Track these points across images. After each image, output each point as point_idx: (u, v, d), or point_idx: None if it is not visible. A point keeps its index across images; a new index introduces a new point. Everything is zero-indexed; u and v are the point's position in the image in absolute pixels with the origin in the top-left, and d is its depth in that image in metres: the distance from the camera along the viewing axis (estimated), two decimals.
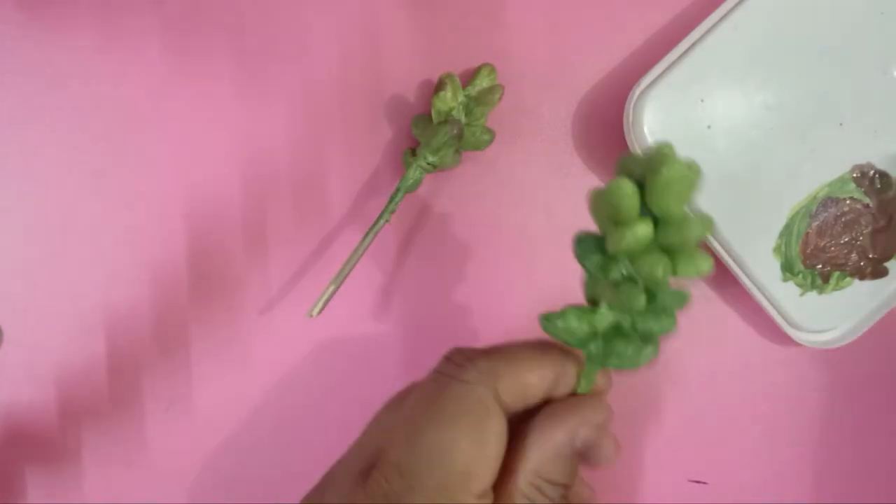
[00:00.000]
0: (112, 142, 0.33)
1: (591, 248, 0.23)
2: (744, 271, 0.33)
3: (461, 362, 0.25)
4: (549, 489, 0.24)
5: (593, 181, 0.35)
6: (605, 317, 0.24)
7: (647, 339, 0.23)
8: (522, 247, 0.35)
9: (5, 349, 0.33)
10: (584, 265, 0.23)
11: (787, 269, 0.33)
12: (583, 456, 0.25)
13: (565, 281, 0.35)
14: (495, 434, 0.24)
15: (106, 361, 0.34)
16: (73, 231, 0.34)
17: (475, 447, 0.23)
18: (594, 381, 0.25)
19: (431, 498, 0.23)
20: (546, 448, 0.24)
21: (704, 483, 0.36)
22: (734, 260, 0.33)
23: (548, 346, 0.26)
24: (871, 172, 0.33)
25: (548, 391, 0.26)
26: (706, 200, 0.32)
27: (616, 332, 0.24)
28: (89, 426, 0.34)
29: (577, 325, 0.24)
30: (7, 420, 0.34)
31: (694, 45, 0.32)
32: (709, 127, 0.32)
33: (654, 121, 0.31)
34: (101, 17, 0.33)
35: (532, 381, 0.25)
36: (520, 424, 0.25)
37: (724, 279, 0.35)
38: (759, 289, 0.33)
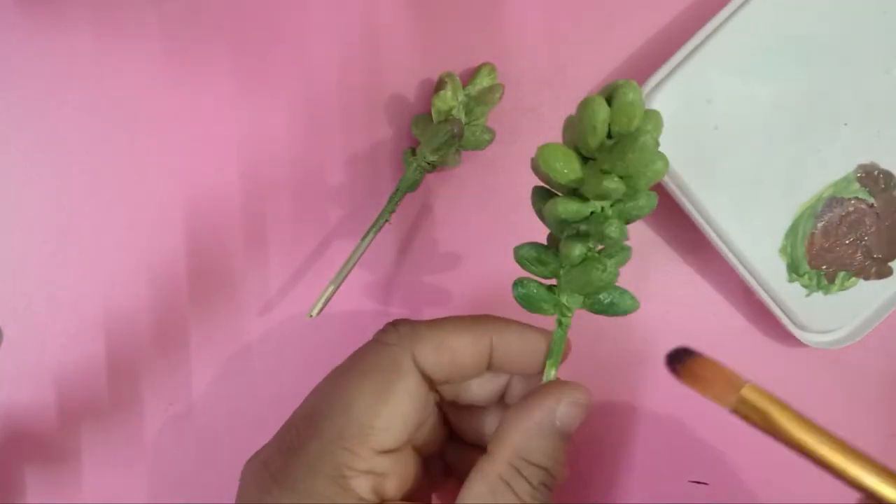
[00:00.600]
0: (112, 142, 0.33)
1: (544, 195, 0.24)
2: (749, 272, 0.33)
3: (387, 328, 0.26)
4: (529, 471, 0.24)
5: None
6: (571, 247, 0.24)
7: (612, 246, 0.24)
8: None
9: (5, 349, 0.33)
10: (546, 212, 0.24)
11: (793, 269, 0.33)
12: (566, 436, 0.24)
13: None
14: (404, 393, 0.24)
15: (106, 361, 0.34)
16: (73, 231, 0.34)
17: (378, 402, 0.24)
18: (560, 362, 0.25)
19: (326, 446, 0.23)
20: (524, 426, 0.24)
21: (705, 483, 0.36)
22: (740, 260, 0.33)
23: (480, 316, 0.26)
24: (876, 172, 0.33)
25: (487, 361, 0.26)
26: (712, 201, 0.32)
27: (582, 261, 0.24)
28: (89, 426, 0.34)
29: (541, 264, 0.25)
30: (7, 420, 0.34)
31: (699, 46, 0.32)
32: (716, 128, 0.32)
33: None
34: (101, 18, 0.33)
35: (456, 344, 0.25)
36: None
37: (729, 280, 0.35)
38: (764, 289, 0.33)
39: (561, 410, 0.24)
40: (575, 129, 0.22)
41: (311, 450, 0.23)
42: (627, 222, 0.23)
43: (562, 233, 0.24)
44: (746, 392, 0.24)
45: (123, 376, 0.34)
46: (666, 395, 0.35)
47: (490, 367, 0.26)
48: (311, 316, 0.30)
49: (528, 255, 0.25)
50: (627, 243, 0.24)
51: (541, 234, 0.34)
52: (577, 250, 0.23)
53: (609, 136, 0.22)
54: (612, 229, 0.22)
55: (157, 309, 0.34)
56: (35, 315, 0.33)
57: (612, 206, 0.23)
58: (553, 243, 0.25)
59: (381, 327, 0.26)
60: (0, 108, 0.33)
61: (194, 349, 0.34)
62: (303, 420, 0.25)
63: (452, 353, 0.25)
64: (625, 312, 0.25)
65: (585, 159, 0.23)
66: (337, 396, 0.24)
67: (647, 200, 0.23)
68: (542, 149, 0.22)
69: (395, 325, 0.26)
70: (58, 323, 0.34)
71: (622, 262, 0.24)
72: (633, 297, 0.25)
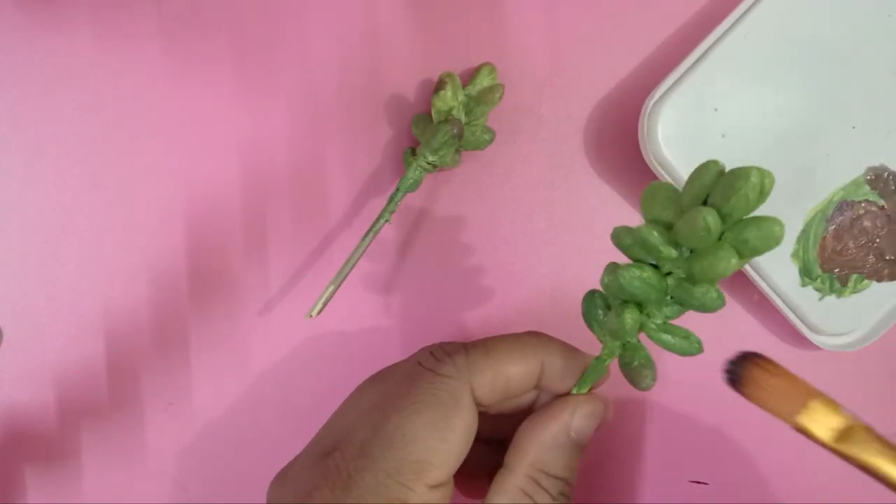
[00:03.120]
0: (112, 142, 0.33)
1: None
2: (762, 277, 0.33)
3: (441, 357, 0.25)
4: (548, 483, 0.24)
5: (595, 181, 0.35)
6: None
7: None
8: (522, 247, 0.35)
9: (5, 349, 0.33)
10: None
11: (806, 273, 0.33)
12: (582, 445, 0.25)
13: (565, 281, 0.35)
14: (462, 430, 0.24)
15: (105, 361, 0.34)
16: (73, 231, 0.33)
17: (437, 439, 0.23)
18: (593, 382, 0.25)
19: (382, 480, 0.23)
20: (542, 440, 0.24)
21: (705, 483, 0.36)
22: (752, 266, 0.33)
23: (531, 338, 0.26)
24: (885, 174, 0.33)
25: (535, 383, 0.26)
26: None
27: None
28: (89, 426, 0.34)
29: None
30: (7, 420, 0.34)
31: (705, 53, 0.32)
32: (723, 135, 0.32)
33: (668, 131, 0.31)
34: (101, 17, 0.33)
35: (512, 373, 0.25)
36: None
37: (738, 282, 0.35)
38: (778, 294, 0.33)
39: (576, 423, 0.24)
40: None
41: (363, 483, 0.23)
42: (680, 304, 0.23)
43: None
44: (815, 407, 0.22)
45: (123, 376, 0.34)
46: (666, 395, 0.35)
47: (535, 387, 0.26)
48: (311, 316, 0.30)
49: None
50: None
51: (539, 232, 0.35)
52: (630, 317, 0.23)
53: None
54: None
55: (157, 309, 0.34)
56: (35, 315, 0.33)
57: (666, 274, 0.22)
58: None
59: (429, 350, 0.26)
60: (0, 108, 0.33)
61: (194, 349, 0.34)
62: (350, 448, 0.24)
63: (508, 381, 0.25)
64: (634, 383, 0.24)
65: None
66: (392, 428, 0.24)
67: (704, 295, 0.22)
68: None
69: (448, 353, 0.25)
70: (58, 323, 0.34)
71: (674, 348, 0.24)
72: (650, 377, 0.24)
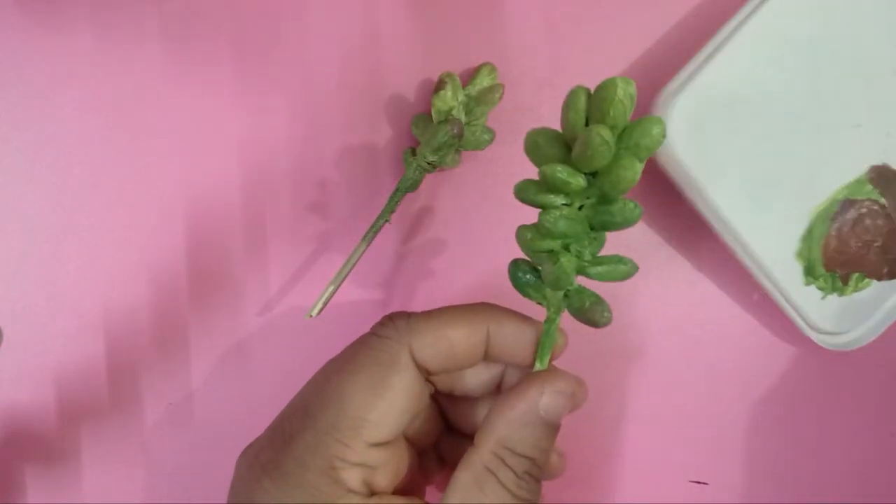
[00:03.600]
0: (112, 142, 0.33)
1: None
2: (766, 276, 0.33)
3: (384, 322, 0.26)
4: (513, 461, 0.23)
5: None
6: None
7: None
8: None
9: (5, 349, 0.33)
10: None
11: (809, 272, 0.33)
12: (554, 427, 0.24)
13: None
14: (400, 388, 0.24)
15: (105, 361, 0.34)
16: (73, 231, 0.33)
17: (373, 396, 0.24)
18: (550, 353, 0.25)
19: (320, 438, 0.23)
20: (508, 417, 0.24)
21: (705, 483, 0.36)
22: (757, 265, 0.33)
23: (478, 305, 0.26)
24: (888, 173, 0.33)
25: (483, 350, 0.26)
26: (729, 204, 0.32)
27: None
28: (89, 426, 0.34)
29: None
30: (7, 420, 0.34)
31: (715, 51, 0.31)
32: (732, 132, 0.32)
33: (679, 127, 0.31)
34: (101, 17, 0.33)
35: (454, 335, 0.25)
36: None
37: (742, 285, 0.35)
38: (781, 293, 0.33)
39: (545, 401, 0.24)
40: (562, 117, 0.22)
41: (302, 441, 0.23)
42: (603, 228, 0.23)
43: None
44: None
45: (123, 376, 0.34)
46: (667, 395, 0.35)
47: (486, 357, 0.26)
48: (311, 316, 0.30)
49: (524, 236, 0.25)
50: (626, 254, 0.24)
51: None
52: (529, 234, 0.23)
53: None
54: (548, 218, 0.22)
55: (157, 309, 0.34)
56: (35, 315, 0.33)
57: (580, 206, 0.23)
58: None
59: (378, 321, 0.27)
60: (0, 108, 0.33)
61: (194, 349, 0.34)
62: (295, 412, 0.25)
63: (449, 344, 0.25)
64: (593, 323, 0.24)
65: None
66: (331, 388, 0.24)
67: (621, 209, 0.22)
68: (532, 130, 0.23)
69: (391, 318, 0.26)
70: (58, 323, 0.34)
71: (613, 276, 0.24)
72: (605, 311, 0.24)
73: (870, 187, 0.33)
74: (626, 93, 0.21)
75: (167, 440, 0.34)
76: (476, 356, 0.26)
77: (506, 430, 0.24)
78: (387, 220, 0.32)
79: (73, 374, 0.34)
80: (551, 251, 0.23)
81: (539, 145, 0.22)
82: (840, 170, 0.33)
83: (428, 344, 0.25)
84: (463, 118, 0.32)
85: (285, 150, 0.34)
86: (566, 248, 0.23)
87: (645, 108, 0.32)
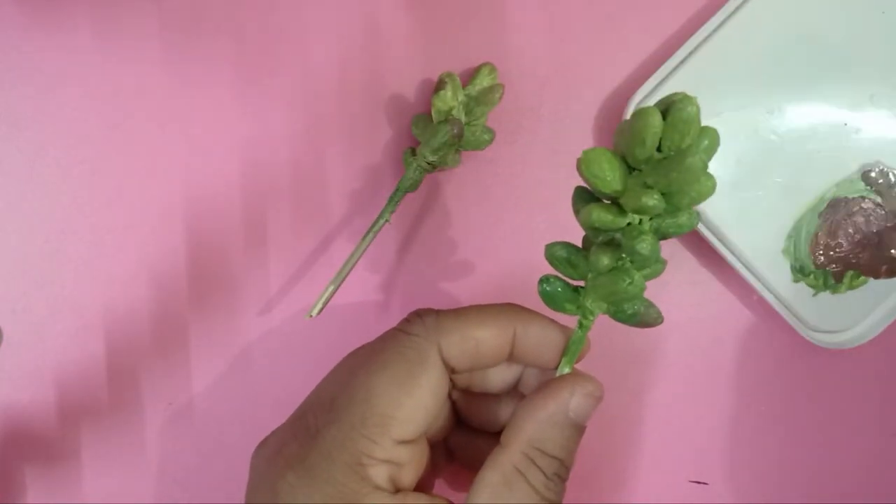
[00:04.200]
0: (112, 142, 0.33)
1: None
2: (753, 273, 0.33)
3: (412, 318, 0.25)
4: (543, 462, 0.24)
5: None
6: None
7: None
8: (523, 247, 0.35)
9: (5, 349, 0.33)
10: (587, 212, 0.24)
11: (798, 270, 0.33)
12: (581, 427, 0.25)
13: None
14: (428, 386, 0.24)
15: (105, 362, 0.34)
16: (72, 231, 0.34)
17: (401, 393, 0.23)
18: (577, 354, 0.26)
19: (347, 433, 0.23)
20: (538, 417, 0.24)
21: (705, 483, 0.36)
22: (742, 262, 0.33)
23: (504, 306, 0.26)
24: (880, 170, 0.33)
25: (508, 351, 0.26)
26: (714, 205, 0.32)
27: (610, 270, 0.24)
28: (89, 426, 0.34)
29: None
30: (7, 420, 0.34)
31: (697, 48, 0.32)
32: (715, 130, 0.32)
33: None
34: (101, 16, 0.33)
35: (481, 335, 0.25)
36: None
37: (742, 285, 0.35)
38: (769, 290, 0.33)
39: (574, 402, 0.24)
40: (624, 138, 0.22)
41: (329, 436, 0.23)
42: (663, 238, 0.23)
43: (595, 238, 0.24)
44: None
45: (123, 376, 0.34)
46: (667, 395, 0.35)
47: (510, 357, 0.26)
48: (311, 316, 0.30)
49: (559, 255, 0.25)
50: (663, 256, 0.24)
51: (539, 232, 0.34)
52: (606, 259, 0.23)
53: (659, 149, 0.22)
54: (643, 245, 0.22)
55: (157, 309, 0.34)
56: (35, 315, 0.33)
57: (650, 220, 0.23)
58: (587, 246, 0.25)
59: (405, 318, 0.26)
60: (0, 108, 0.33)
61: (194, 349, 0.34)
62: (320, 406, 0.24)
63: (477, 344, 0.25)
64: (648, 325, 0.24)
65: (631, 169, 0.22)
66: (358, 384, 0.24)
67: (688, 219, 0.23)
68: (587, 153, 0.22)
69: (420, 315, 0.26)
70: (58, 323, 0.34)
71: (653, 276, 0.24)
72: (658, 312, 0.24)
73: (862, 185, 0.33)
74: (698, 110, 0.21)
75: (167, 440, 0.34)
76: (501, 356, 0.26)
77: (535, 430, 0.24)
78: (387, 220, 0.32)
79: (73, 374, 0.34)
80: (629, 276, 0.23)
81: (604, 169, 0.22)
82: (830, 168, 0.33)
83: (455, 343, 0.25)
84: (463, 118, 0.32)
85: (285, 151, 0.34)
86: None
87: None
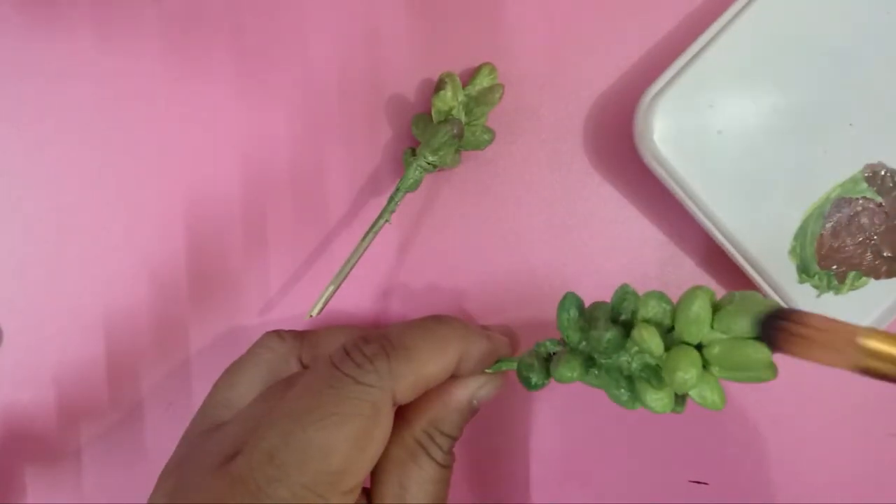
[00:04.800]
0: (112, 141, 0.33)
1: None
2: (760, 275, 0.33)
3: (361, 362, 0.24)
4: (441, 439, 0.26)
5: (595, 181, 0.35)
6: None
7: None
8: (523, 247, 0.35)
9: (5, 349, 0.33)
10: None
11: (804, 271, 0.33)
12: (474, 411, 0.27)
13: (565, 281, 0.35)
14: (381, 439, 0.24)
15: (105, 362, 0.34)
16: (72, 231, 0.34)
17: (356, 450, 0.23)
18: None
19: (297, 493, 0.22)
20: (445, 401, 0.26)
21: (705, 483, 0.36)
22: (750, 264, 0.33)
23: (449, 331, 0.27)
24: (883, 171, 0.33)
25: (451, 373, 0.27)
26: (719, 205, 0.32)
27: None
28: (89, 426, 0.34)
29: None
30: (7, 420, 0.34)
31: (701, 50, 0.32)
32: (719, 132, 0.32)
33: (664, 128, 0.31)
34: (101, 17, 0.33)
35: (432, 372, 0.26)
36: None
37: (743, 285, 0.35)
38: (776, 292, 0.33)
39: (482, 393, 0.27)
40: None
41: (278, 496, 0.22)
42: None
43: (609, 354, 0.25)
44: (870, 343, 0.20)
45: (123, 376, 0.34)
46: None
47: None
48: (311, 316, 0.30)
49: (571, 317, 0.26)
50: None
51: (539, 232, 0.35)
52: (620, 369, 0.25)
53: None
54: (656, 405, 0.24)
55: (157, 309, 0.34)
56: (35, 315, 0.33)
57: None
58: (590, 319, 0.25)
59: (345, 351, 0.25)
60: (0, 108, 0.33)
61: (194, 349, 0.34)
62: (259, 457, 0.23)
63: (427, 381, 0.25)
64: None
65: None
66: (307, 440, 0.23)
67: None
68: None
69: (371, 360, 0.24)
70: (58, 323, 0.34)
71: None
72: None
73: (865, 185, 0.33)
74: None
75: (167, 440, 0.34)
76: (443, 379, 0.26)
77: (439, 411, 0.26)
78: (387, 220, 0.32)
79: (73, 374, 0.34)
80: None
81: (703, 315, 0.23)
82: (833, 168, 0.33)
83: (409, 386, 0.25)
84: (463, 118, 0.32)
85: (285, 150, 0.34)
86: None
87: (632, 112, 0.32)
